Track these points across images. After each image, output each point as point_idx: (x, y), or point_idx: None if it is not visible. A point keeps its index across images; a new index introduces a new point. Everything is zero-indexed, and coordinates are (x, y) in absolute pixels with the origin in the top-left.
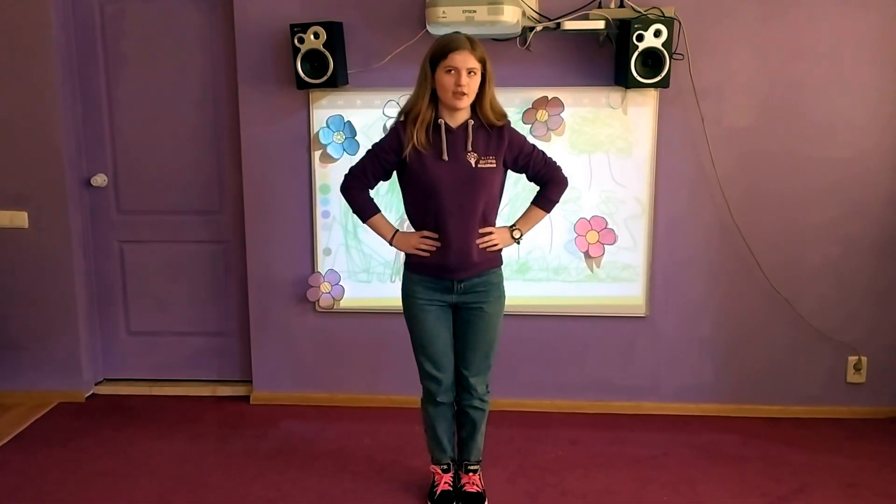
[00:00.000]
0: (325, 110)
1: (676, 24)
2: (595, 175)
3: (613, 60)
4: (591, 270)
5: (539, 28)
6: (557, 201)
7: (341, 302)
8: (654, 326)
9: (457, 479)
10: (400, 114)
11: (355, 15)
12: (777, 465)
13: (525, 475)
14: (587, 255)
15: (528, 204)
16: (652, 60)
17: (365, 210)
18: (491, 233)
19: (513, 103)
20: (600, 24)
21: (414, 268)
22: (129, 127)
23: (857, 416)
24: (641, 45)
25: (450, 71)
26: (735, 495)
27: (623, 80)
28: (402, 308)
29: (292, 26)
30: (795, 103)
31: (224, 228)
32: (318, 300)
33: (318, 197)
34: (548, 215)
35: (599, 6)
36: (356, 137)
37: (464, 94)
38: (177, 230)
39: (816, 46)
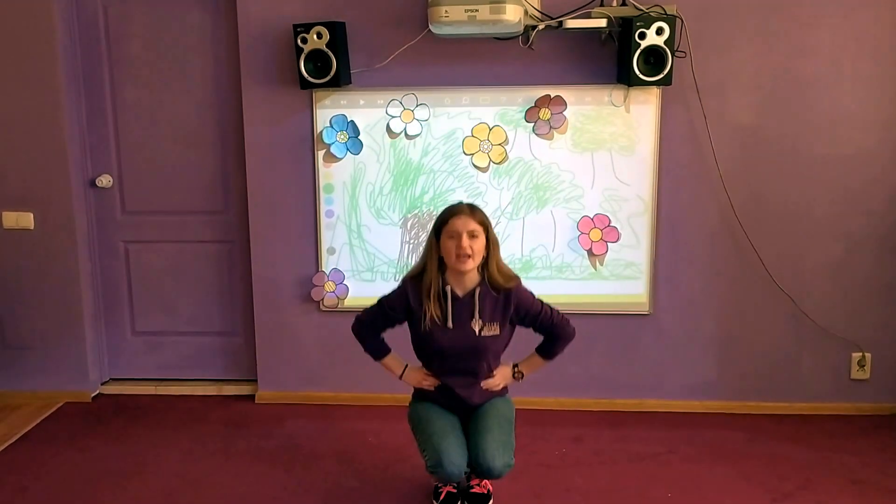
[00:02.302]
0: (328, 110)
1: (679, 21)
2: (598, 173)
3: (616, 58)
4: (595, 268)
5: (541, 27)
6: (561, 353)
7: (345, 301)
8: (658, 324)
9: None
10: (406, 277)
11: (358, 15)
12: (781, 461)
13: (529, 473)
14: (590, 252)
15: (533, 351)
16: (654, 58)
17: (376, 353)
18: (493, 377)
19: (515, 102)
20: (602, 23)
21: (422, 396)
22: (133, 128)
23: (862, 412)
24: (644, 43)
25: (452, 237)
26: (739, 492)
27: (625, 78)
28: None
29: (295, 26)
30: (798, 100)
31: (228, 228)
32: (323, 299)
33: (322, 196)
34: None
35: (601, 4)
36: (359, 137)
37: (467, 255)
38: (181, 230)
39: (819, 43)
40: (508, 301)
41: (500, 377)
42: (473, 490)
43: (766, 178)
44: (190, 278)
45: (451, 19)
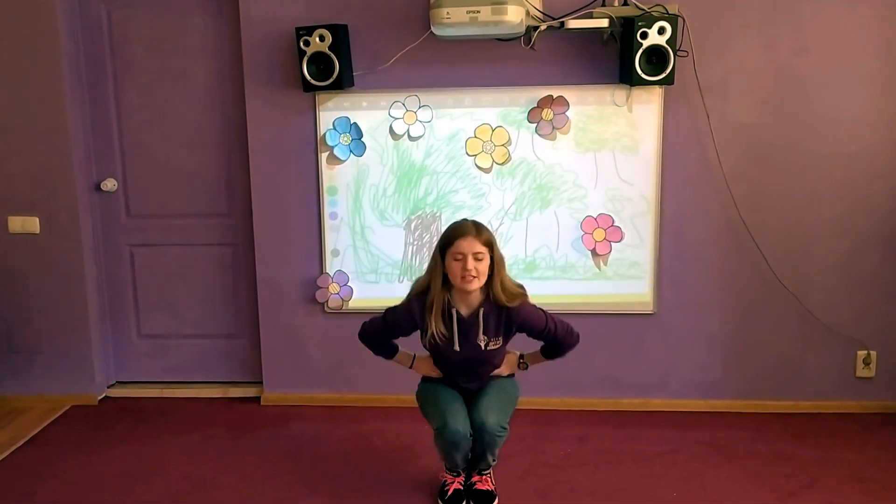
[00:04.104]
0: (331, 112)
1: (680, 20)
2: (601, 173)
3: (618, 58)
4: (599, 268)
5: (543, 27)
6: (564, 356)
7: (350, 303)
8: (662, 323)
9: (467, 476)
10: (411, 294)
11: (360, 17)
12: (786, 460)
13: (535, 473)
14: (594, 252)
15: (539, 349)
16: (656, 58)
17: (386, 355)
18: (499, 369)
19: (518, 102)
20: (604, 23)
21: (430, 379)
22: (137, 132)
23: (867, 410)
24: (646, 43)
25: (458, 258)
26: (745, 491)
27: (628, 78)
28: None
29: (298, 29)
30: (800, 98)
31: (233, 231)
32: (327, 301)
33: (326, 198)
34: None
35: (603, 4)
36: (362, 139)
37: (473, 277)
38: (186, 233)
39: (821, 41)
40: (511, 320)
41: (505, 367)
42: (477, 487)
43: (770, 177)
44: (195, 281)
45: (452, 21)
